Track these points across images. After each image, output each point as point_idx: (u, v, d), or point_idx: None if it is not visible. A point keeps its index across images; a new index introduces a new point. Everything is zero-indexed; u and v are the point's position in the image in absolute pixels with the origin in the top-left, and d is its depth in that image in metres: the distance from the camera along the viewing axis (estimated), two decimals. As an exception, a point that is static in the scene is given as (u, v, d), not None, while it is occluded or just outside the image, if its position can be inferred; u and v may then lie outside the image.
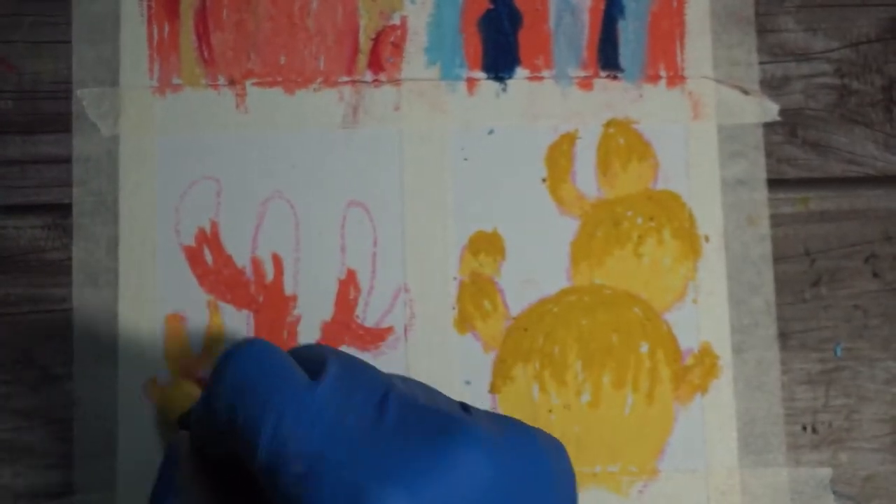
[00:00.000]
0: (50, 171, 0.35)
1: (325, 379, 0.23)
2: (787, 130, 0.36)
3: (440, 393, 0.25)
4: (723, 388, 0.35)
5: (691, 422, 0.35)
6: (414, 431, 0.22)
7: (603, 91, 0.36)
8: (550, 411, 0.35)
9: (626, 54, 0.36)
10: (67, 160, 0.35)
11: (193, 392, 0.33)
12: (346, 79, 0.36)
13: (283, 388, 0.23)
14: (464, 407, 0.24)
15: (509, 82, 0.36)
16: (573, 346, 0.35)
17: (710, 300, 0.35)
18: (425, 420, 0.23)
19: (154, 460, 0.33)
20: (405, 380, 0.25)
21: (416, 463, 0.22)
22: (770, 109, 0.36)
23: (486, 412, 0.25)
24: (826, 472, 0.35)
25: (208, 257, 0.35)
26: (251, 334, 0.34)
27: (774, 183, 0.36)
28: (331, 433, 0.22)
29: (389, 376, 0.25)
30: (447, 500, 0.21)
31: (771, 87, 0.37)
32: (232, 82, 0.36)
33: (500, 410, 0.35)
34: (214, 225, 0.35)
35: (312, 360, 0.24)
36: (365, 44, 0.36)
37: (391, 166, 0.35)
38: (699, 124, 0.36)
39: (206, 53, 0.36)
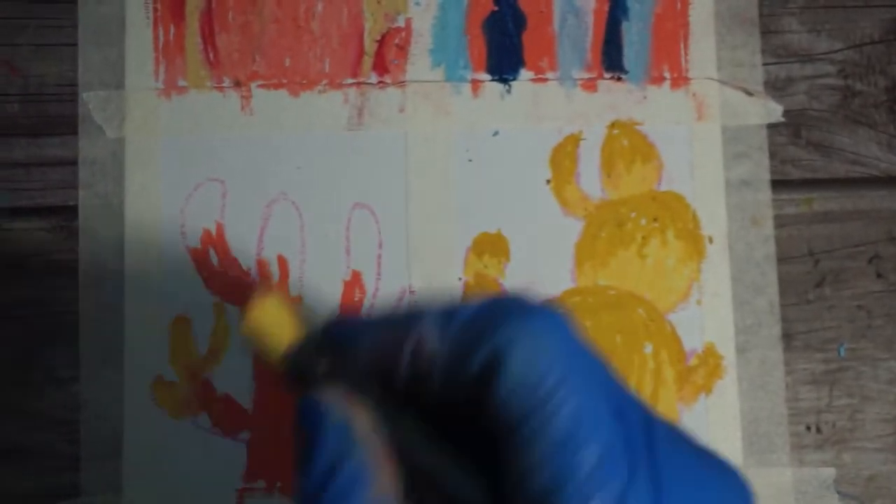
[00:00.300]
0: (56, 173, 0.35)
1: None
2: (790, 131, 0.36)
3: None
4: (727, 389, 0.35)
5: (695, 422, 0.35)
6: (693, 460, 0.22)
7: (607, 93, 0.36)
8: (555, 412, 0.35)
9: (629, 56, 0.36)
10: (73, 162, 0.35)
11: (283, 316, 0.22)
12: (351, 81, 0.36)
13: (589, 393, 0.20)
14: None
15: (513, 84, 0.36)
16: (578, 347, 0.35)
17: (714, 301, 0.35)
18: (695, 452, 0.22)
19: (160, 461, 0.33)
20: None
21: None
22: (774, 110, 0.36)
23: None
24: (830, 472, 0.35)
25: (214, 259, 0.35)
26: (256, 336, 0.34)
27: (778, 184, 0.36)
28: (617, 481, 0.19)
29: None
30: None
31: (775, 88, 0.37)
32: (237, 84, 0.36)
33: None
34: (220, 227, 0.35)
35: None
36: (370, 46, 0.36)
37: (396, 168, 0.35)
38: (703, 125, 0.36)
39: (211, 56, 0.36)
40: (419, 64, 0.36)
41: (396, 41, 0.36)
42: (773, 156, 0.36)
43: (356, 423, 0.20)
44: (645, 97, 0.36)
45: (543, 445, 0.19)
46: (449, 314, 0.21)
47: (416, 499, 0.20)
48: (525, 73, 0.36)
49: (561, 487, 0.18)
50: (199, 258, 0.35)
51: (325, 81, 0.36)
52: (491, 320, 0.20)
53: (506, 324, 0.20)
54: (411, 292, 0.35)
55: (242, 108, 0.35)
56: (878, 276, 0.36)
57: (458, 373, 0.20)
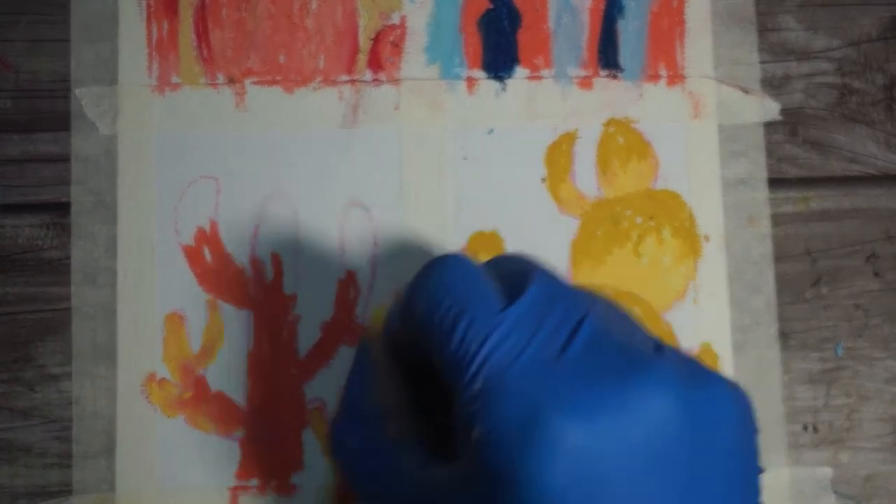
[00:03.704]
0: (48, 169, 0.35)
1: (521, 300, 0.23)
2: (787, 129, 0.36)
3: (638, 326, 0.24)
4: (723, 388, 0.35)
5: (691, 422, 0.34)
6: (600, 365, 0.22)
7: (603, 90, 0.36)
8: (550, 411, 0.34)
9: (625, 53, 0.36)
10: (66, 159, 0.35)
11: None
12: (345, 78, 0.36)
13: (479, 300, 0.24)
14: (657, 346, 0.23)
15: (509, 82, 0.36)
16: (573, 346, 0.35)
17: (711, 300, 0.35)
18: (614, 355, 0.22)
19: (153, 459, 0.33)
20: (608, 307, 0.25)
21: (597, 397, 0.21)
22: (771, 108, 0.36)
23: (678, 352, 0.24)
24: (827, 472, 0.35)
25: (208, 256, 0.35)
26: (251, 334, 0.34)
27: (775, 182, 0.36)
28: (514, 356, 0.22)
29: (594, 301, 0.24)
30: (624, 438, 0.21)
31: (772, 86, 0.36)
32: (231, 81, 0.36)
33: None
34: (214, 224, 0.35)
35: (517, 275, 0.25)
36: (364, 43, 0.36)
37: (391, 166, 0.35)
38: (699, 123, 0.36)
39: (205, 52, 0.36)
40: (414, 61, 0.36)
41: (391, 38, 0.36)
42: (769, 154, 0.36)
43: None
44: (641, 95, 0.36)
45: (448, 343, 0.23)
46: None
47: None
48: (520, 71, 0.36)
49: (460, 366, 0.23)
50: (193, 255, 0.35)
51: (319, 78, 0.36)
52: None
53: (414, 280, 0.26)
54: (406, 290, 0.35)
55: (236, 104, 0.35)
56: (876, 274, 0.36)
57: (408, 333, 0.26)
